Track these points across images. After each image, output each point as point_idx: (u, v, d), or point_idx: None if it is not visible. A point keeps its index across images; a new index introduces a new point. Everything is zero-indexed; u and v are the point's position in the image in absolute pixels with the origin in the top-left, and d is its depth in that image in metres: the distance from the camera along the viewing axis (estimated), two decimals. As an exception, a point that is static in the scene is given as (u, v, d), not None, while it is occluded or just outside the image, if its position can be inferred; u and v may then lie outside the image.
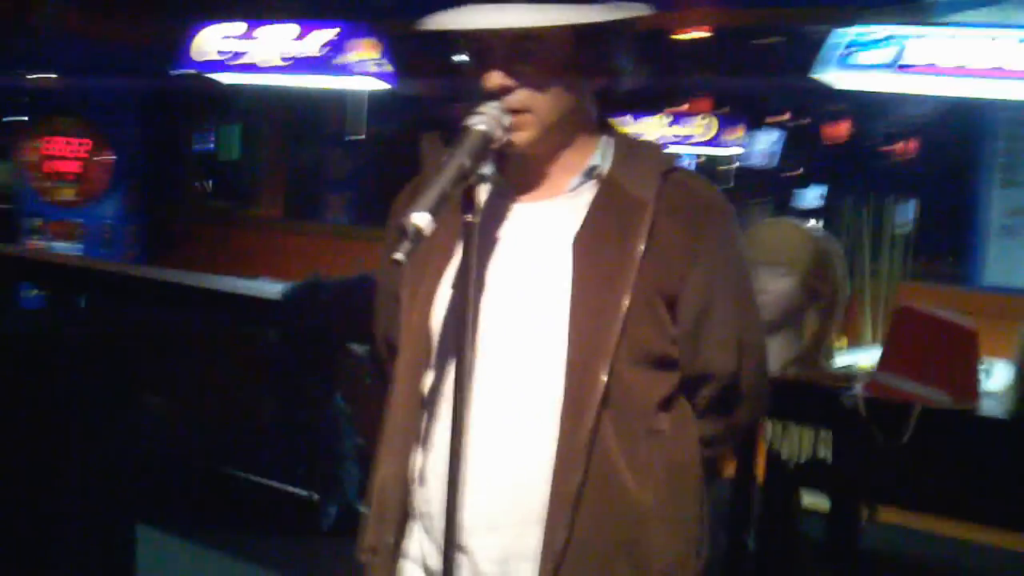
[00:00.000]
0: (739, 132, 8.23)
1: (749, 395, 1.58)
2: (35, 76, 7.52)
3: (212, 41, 6.98)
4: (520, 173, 1.54)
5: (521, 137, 1.46)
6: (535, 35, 1.41)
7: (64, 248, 6.99)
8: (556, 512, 1.43)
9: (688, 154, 8.90)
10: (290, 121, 7.87)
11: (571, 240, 1.48)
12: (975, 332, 2.53)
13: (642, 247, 1.44)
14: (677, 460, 1.50)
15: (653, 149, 1.56)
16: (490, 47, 1.44)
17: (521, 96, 1.44)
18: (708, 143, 8.15)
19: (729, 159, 9.52)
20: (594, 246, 1.47)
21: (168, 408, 4.10)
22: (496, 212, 1.54)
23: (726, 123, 8.19)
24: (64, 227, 7.06)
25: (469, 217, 1.41)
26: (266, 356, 3.56)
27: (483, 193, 1.51)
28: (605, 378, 1.42)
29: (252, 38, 6.87)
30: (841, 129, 11.04)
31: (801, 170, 13.53)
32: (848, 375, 2.71)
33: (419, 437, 1.53)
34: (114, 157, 7.26)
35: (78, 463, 2.97)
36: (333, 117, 7.88)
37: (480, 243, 1.48)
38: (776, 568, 2.63)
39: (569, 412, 1.43)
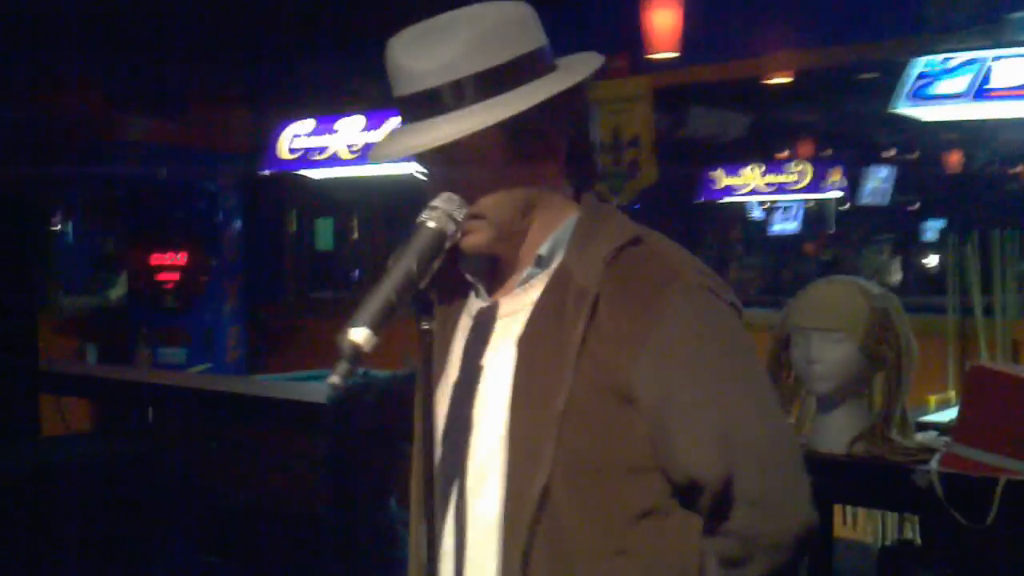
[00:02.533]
0: (836, 175, 7.91)
1: (760, 503, 1.28)
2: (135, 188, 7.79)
3: (294, 139, 7.15)
4: (484, 267, 1.42)
5: (472, 241, 1.35)
6: (462, 144, 1.28)
7: (171, 353, 7.15)
8: None
9: (791, 201, 8.62)
10: (383, 208, 7.94)
11: (515, 341, 1.33)
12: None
13: (578, 341, 1.26)
14: None
15: (612, 225, 1.35)
16: (427, 164, 1.36)
17: (469, 205, 1.33)
18: (806, 189, 7.87)
19: (836, 201, 9.19)
20: (534, 346, 1.31)
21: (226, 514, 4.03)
22: (462, 311, 1.44)
23: (822, 167, 7.89)
24: (169, 333, 7.25)
25: (424, 324, 1.29)
26: (322, 457, 3.46)
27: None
28: (537, 494, 1.25)
29: (333, 132, 7.01)
30: (954, 160, 10.55)
31: (918, 204, 12.98)
32: (923, 449, 2.38)
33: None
34: (213, 262, 7.44)
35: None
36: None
37: (447, 346, 1.42)
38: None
39: (506, 531, 1.29)
